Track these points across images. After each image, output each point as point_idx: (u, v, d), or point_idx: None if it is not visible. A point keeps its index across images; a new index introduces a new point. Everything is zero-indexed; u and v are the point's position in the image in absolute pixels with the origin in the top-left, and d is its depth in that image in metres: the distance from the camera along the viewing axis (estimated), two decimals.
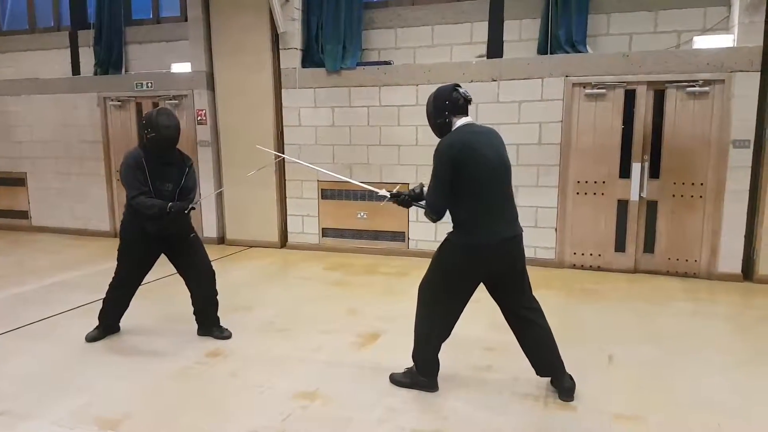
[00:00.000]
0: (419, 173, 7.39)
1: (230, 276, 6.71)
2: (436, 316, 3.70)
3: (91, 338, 4.69)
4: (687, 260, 6.46)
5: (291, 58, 7.81)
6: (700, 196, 6.34)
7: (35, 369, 4.19)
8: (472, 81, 7.04)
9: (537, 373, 3.74)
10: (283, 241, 8.27)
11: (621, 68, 6.44)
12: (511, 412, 3.51)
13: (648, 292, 5.96)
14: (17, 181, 9.71)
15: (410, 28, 7.63)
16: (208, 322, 4.78)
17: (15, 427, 3.36)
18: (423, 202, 3.64)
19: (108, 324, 4.80)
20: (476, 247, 3.46)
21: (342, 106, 7.67)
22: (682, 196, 6.41)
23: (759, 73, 6.01)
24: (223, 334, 4.72)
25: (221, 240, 8.54)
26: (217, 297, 4.79)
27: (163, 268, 4.92)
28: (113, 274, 4.67)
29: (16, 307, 5.62)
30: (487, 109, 6.99)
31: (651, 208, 6.57)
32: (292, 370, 4.11)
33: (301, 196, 8.08)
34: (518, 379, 3.91)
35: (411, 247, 7.59)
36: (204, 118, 8.29)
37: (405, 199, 3.70)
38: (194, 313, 4.79)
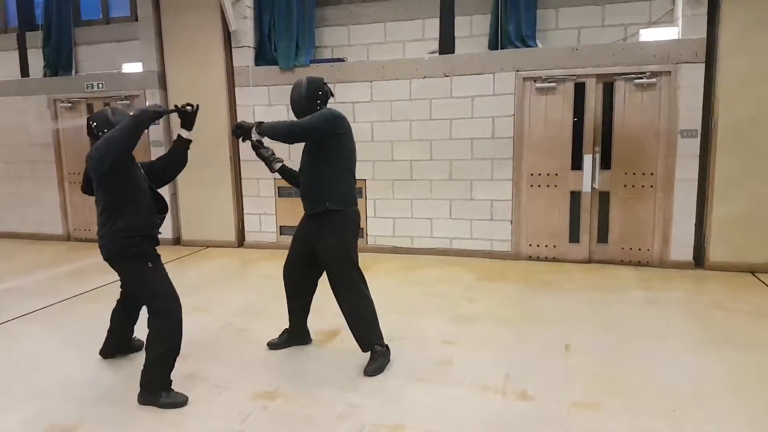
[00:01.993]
0: (376, 168, 7.39)
1: (186, 277, 6.60)
2: (361, 286, 4.04)
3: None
4: (640, 249, 6.58)
5: (244, 57, 7.72)
6: (651, 186, 6.46)
7: None
8: (425, 77, 7.07)
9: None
10: (241, 240, 8.17)
11: (570, 62, 6.52)
12: (470, 403, 3.52)
13: (603, 281, 6.04)
14: None
15: (362, 25, 7.63)
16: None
17: None
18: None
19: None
20: (357, 213, 4.14)
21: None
22: (633, 186, 6.52)
23: (703, 64, 6.14)
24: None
25: (177, 241, 8.40)
26: None
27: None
28: (160, 306, 3.67)
29: None
30: (441, 104, 7.02)
31: (603, 198, 6.68)
32: (252, 370, 4.06)
33: (257, 194, 8.00)
34: (477, 371, 3.93)
35: (369, 243, 7.57)
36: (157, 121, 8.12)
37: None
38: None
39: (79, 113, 8.65)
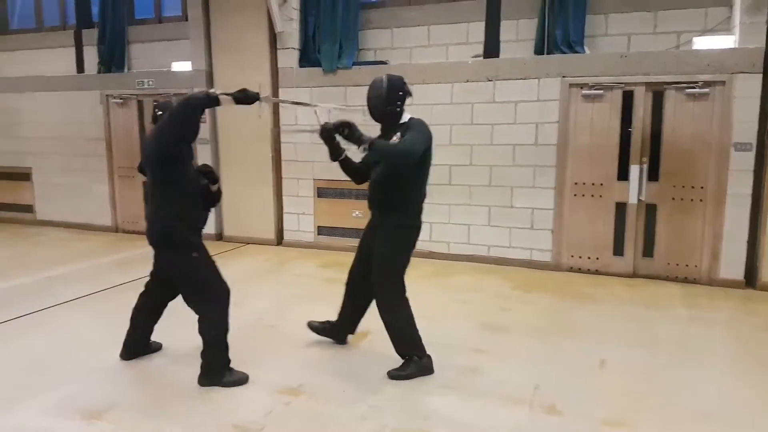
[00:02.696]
0: None
1: (224, 272, 6.67)
2: (402, 297, 3.97)
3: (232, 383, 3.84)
4: (687, 265, 6.31)
5: (288, 58, 7.79)
6: (701, 200, 6.18)
7: (26, 359, 4.23)
8: (467, 81, 6.97)
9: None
10: (280, 239, 8.25)
11: (619, 69, 6.31)
12: (495, 414, 3.45)
13: (646, 297, 5.82)
14: (23, 175, 9.82)
15: (406, 28, 7.59)
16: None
17: (2, 415, 3.39)
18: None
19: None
20: (418, 227, 3.95)
21: (338, 106, 7.60)
22: (682, 199, 6.26)
23: (761, 74, 5.85)
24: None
25: (219, 236, 8.54)
26: None
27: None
28: (208, 293, 3.84)
29: (14, 298, 5.66)
30: (483, 109, 6.92)
31: (650, 211, 6.43)
32: (278, 365, 4.09)
33: (297, 194, 8.05)
34: (505, 382, 3.85)
35: None
36: (204, 116, 8.27)
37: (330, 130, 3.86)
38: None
39: (130, 109, 8.91)
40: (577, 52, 6.56)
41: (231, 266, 7.01)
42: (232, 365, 3.85)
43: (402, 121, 3.83)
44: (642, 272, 6.48)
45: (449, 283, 6.31)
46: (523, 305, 5.58)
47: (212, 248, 7.68)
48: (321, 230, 8.04)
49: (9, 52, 9.97)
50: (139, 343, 4.22)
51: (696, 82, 6.04)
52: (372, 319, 5.00)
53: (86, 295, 5.74)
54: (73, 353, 4.32)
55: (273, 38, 7.77)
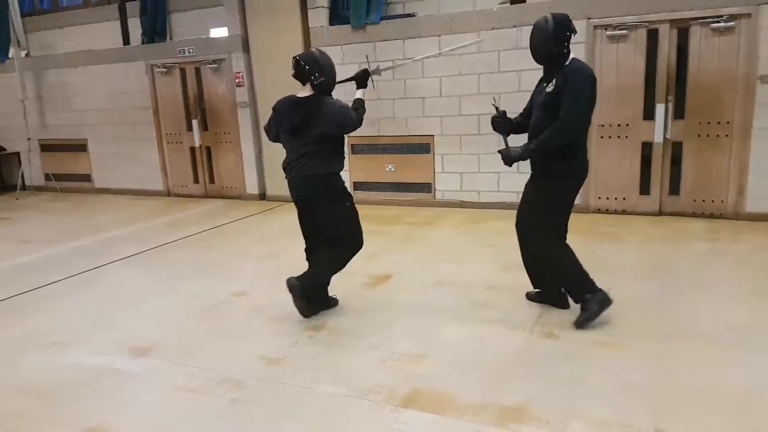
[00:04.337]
0: (444, 124, 7.52)
1: (265, 229, 7.15)
2: (564, 246, 3.89)
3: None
4: (713, 201, 6.35)
5: (318, 17, 8.00)
6: (727, 135, 6.18)
7: (83, 308, 4.74)
8: (493, 28, 7.06)
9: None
10: None
11: (643, 7, 6.28)
12: (496, 340, 3.73)
13: (668, 234, 5.93)
14: (79, 147, 10.48)
15: None
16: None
17: (64, 353, 3.87)
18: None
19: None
20: (583, 171, 3.81)
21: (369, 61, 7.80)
22: (707, 135, 6.27)
23: None
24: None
25: (263, 196, 8.98)
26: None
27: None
28: (345, 242, 4.12)
29: (73, 258, 6.22)
30: (510, 55, 7.01)
31: (676, 149, 6.47)
32: None
33: None
34: (511, 312, 4.12)
35: (437, 198, 7.77)
36: (242, 81, 8.66)
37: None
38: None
39: (174, 78, 9.34)
40: None
41: (271, 223, 7.48)
42: (269, 308, 4.31)
43: (566, 63, 3.62)
44: (668, 210, 6.57)
45: (479, 229, 6.54)
46: None
47: (255, 207, 8.35)
48: (357, 186, 8.35)
49: (60, 29, 10.53)
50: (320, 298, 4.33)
51: (721, 16, 5.97)
52: (395, 264, 5.35)
53: (137, 253, 6.25)
54: (125, 301, 4.81)
55: None
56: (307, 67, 3.90)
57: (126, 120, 9.87)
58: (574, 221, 6.49)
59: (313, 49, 4.05)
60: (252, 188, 8.99)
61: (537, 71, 6.83)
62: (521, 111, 4.06)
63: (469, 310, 4.22)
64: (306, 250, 4.28)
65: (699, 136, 6.30)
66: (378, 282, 4.94)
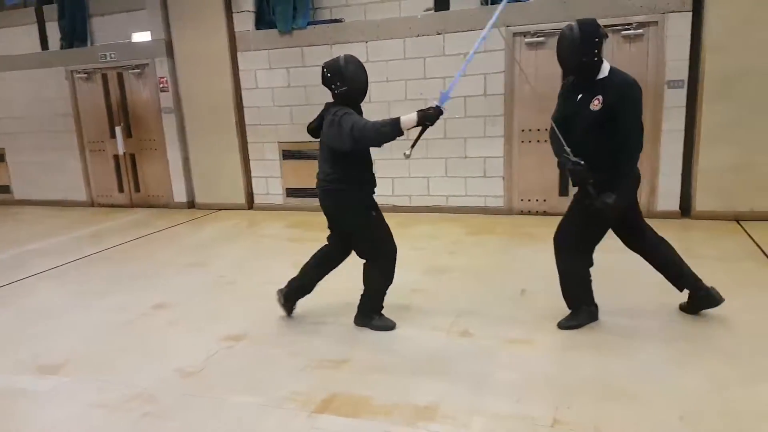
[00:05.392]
0: None
1: (193, 237, 7.02)
2: (583, 252, 3.79)
3: (392, 325, 4.03)
4: None
5: (244, 21, 7.94)
6: None
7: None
8: (418, 35, 7.17)
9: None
10: (250, 203, 8.53)
11: (560, 15, 6.52)
12: (414, 341, 3.80)
13: None
14: None
15: None
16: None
17: None
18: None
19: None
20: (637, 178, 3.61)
21: (296, 66, 7.81)
22: None
23: (690, 13, 6.09)
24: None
25: (191, 204, 8.81)
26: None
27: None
28: (380, 254, 3.95)
29: None
30: (434, 62, 7.14)
31: None
32: (229, 317, 4.39)
33: (263, 157, 8.30)
34: (430, 314, 4.21)
35: None
36: (166, 86, 8.48)
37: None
38: None
39: (95, 84, 9.06)
40: (520, 1, 6.75)
41: (199, 232, 7.34)
42: (186, 318, 4.18)
43: (601, 76, 3.38)
44: None
45: (409, 234, 6.60)
46: (472, 248, 5.92)
47: (183, 216, 8.16)
48: (290, 192, 8.31)
49: None
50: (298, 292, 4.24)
51: (631, 24, 6.28)
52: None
53: (57, 266, 6.02)
54: (39, 318, 4.61)
55: (228, 2, 7.90)
56: (329, 75, 3.69)
57: (46, 128, 9.51)
58: (496, 222, 6.82)
59: (341, 57, 3.71)
60: (180, 196, 8.81)
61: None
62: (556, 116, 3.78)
63: (391, 313, 4.24)
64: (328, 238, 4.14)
65: None
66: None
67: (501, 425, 2.79)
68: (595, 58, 3.31)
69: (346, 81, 3.64)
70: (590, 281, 3.86)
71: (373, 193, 3.92)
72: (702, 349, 3.47)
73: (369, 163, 3.87)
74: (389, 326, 4.01)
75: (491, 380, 3.23)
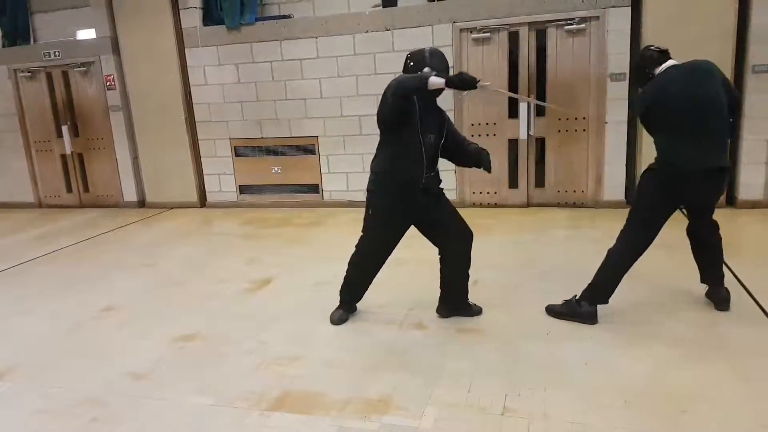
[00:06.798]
0: (327, 125, 7.59)
1: (142, 237, 6.92)
2: (630, 244, 3.77)
3: (337, 320, 4.06)
4: (575, 191, 6.86)
5: (191, 17, 7.83)
6: (584, 130, 6.69)
7: None
8: (367, 31, 7.20)
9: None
10: (203, 201, 8.44)
11: (504, 11, 6.65)
12: (370, 334, 3.86)
13: (534, 223, 6.34)
14: None
15: None
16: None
17: None
18: None
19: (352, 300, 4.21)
20: (664, 166, 3.76)
21: (245, 62, 7.75)
22: (567, 130, 6.75)
23: (629, 8, 6.28)
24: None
25: (141, 204, 8.67)
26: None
27: None
28: (362, 248, 4.06)
29: None
30: (384, 58, 7.19)
31: (540, 144, 6.91)
32: (180, 317, 4.35)
33: (214, 154, 8.21)
34: (385, 308, 4.25)
35: (326, 198, 7.84)
36: (113, 84, 8.30)
37: None
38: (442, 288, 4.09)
39: (39, 82, 8.80)
40: None
41: (149, 231, 7.24)
42: (133, 320, 4.15)
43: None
44: (535, 201, 7.02)
45: None
46: (426, 240, 5.98)
47: (134, 215, 8.03)
48: (243, 189, 8.26)
49: None
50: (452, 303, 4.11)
51: (573, 19, 6.44)
52: (277, 267, 5.36)
53: (1, 270, 5.87)
54: None
55: None
56: (411, 64, 3.70)
57: None
58: None
59: (426, 48, 3.70)
60: (130, 195, 8.65)
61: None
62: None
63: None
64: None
65: (559, 131, 6.77)
66: (258, 287, 4.92)
67: (453, 414, 2.86)
68: (650, 76, 3.68)
69: (417, 63, 3.63)
70: (619, 277, 3.79)
71: (412, 189, 3.69)
72: (647, 333, 3.61)
73: (416, 151, 3.61)
74: (338, 320, 4.06)
75: (443, 370, 3.30)
